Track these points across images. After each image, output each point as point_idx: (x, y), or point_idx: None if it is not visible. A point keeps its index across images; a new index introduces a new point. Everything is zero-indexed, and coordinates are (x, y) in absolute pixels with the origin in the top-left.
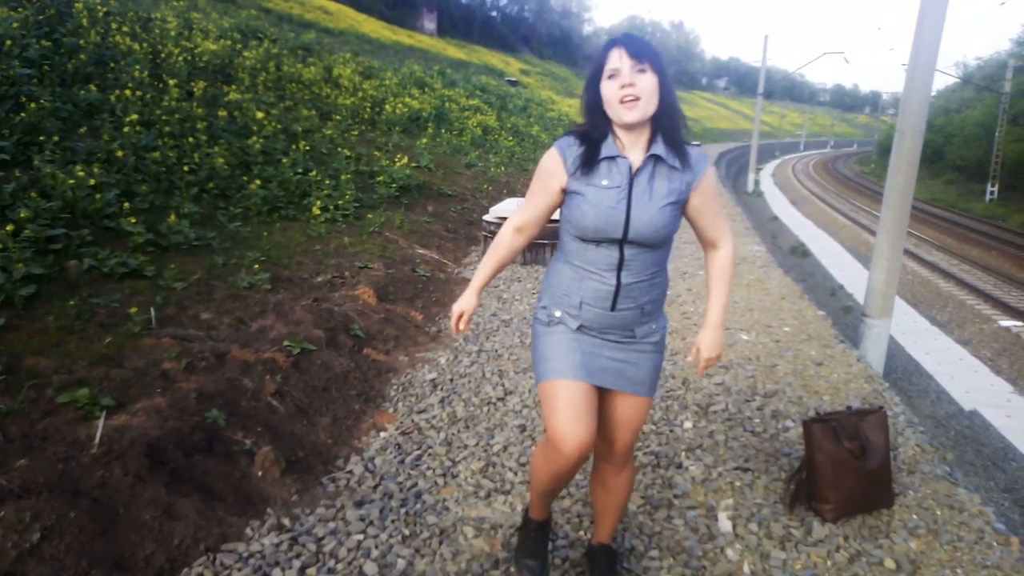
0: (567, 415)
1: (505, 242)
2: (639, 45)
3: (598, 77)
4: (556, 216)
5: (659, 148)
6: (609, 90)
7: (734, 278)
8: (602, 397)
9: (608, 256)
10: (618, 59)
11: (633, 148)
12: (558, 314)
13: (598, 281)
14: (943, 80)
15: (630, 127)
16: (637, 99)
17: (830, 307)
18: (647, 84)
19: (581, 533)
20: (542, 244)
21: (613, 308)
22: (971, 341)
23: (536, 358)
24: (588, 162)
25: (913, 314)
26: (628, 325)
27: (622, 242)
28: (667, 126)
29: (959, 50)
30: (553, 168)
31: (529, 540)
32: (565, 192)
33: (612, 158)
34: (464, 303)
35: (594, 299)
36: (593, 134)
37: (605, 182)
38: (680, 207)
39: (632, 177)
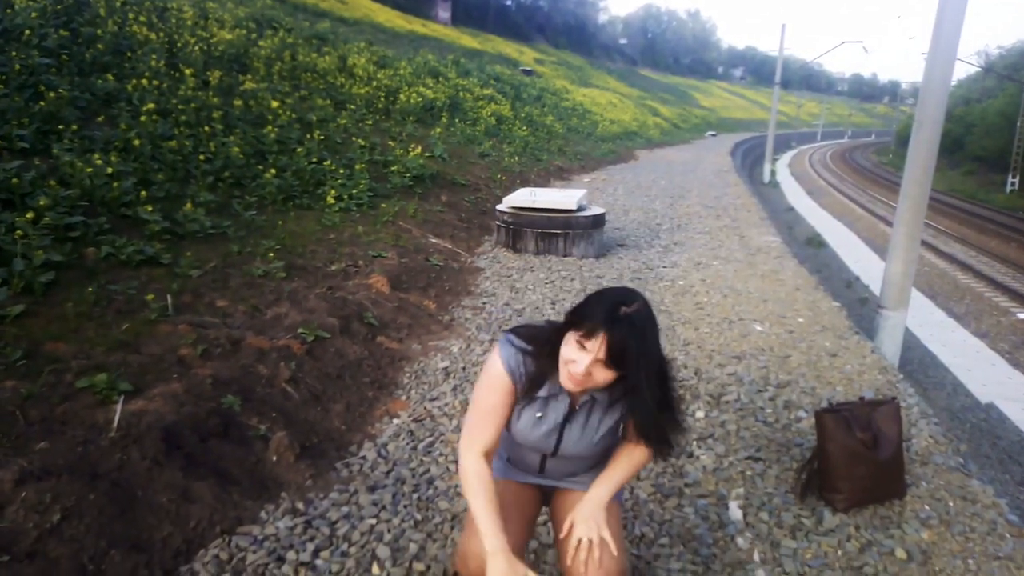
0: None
1: (484, 475)
2: (622, 351)
3: (572, 328)
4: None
5: (599, 394)
6: (567, 353)
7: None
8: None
9: (533, 456)
10: (594, 344)
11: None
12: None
13: (522, 464)
14: (963, 69)
15: None
16: (583, 382)
17: (845, 298)
18: (602, 378)
19: None
20: (554, 234)
21: (541, 472)
22: (989, 334)
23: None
24: (529, 392)
25: (930, 306)
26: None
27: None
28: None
29: (980, 39)
30: (505, 387)
31: None
32: None
33: (555, 395)
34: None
35: (519, 462)
36: (541, 364)
37: (539, 415)
38: (621, 427)
39: (568, 415)
